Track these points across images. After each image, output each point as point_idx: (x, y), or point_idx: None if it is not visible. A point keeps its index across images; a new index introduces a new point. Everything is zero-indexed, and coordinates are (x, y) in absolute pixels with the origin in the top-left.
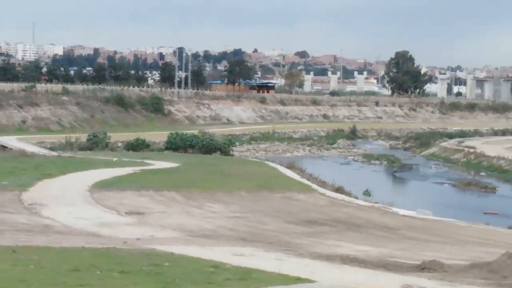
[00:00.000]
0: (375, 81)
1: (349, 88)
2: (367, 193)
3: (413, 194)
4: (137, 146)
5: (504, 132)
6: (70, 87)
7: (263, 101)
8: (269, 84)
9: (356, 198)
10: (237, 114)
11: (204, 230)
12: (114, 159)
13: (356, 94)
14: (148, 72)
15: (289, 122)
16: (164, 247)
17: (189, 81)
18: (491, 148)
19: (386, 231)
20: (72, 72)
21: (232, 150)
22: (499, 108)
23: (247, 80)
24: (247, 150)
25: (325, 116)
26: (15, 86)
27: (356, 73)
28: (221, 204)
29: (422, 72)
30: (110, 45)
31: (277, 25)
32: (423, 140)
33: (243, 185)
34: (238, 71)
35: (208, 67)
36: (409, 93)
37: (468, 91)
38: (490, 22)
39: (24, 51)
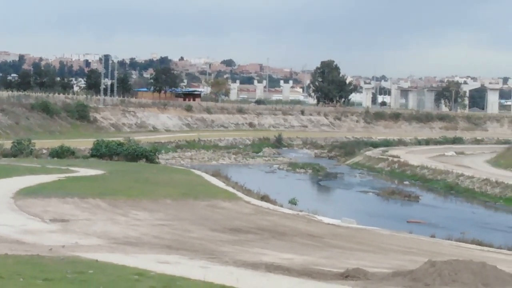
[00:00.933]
0: (300, 90)
1: (275, 97)
2: (293, 201)
3: (338, 202)
4: (62, 153)
5: (427, 142)
6: None
7: (189, 109)
8: (195, 92)
9: (281, 206)
10: (163, 122)
11: (129, 238)
12: None
13: (282, 103)
14: (73, 79)
15: (215, 130)
16: (88, 255)
17: (115, 88)
18: (415, 157)
19: (310, 239)
20: None
21: (158, 158)
22: (422, 118)
23: (173, 88)
24: (173, 158)
25: (251, 125)
26: None
27: (282, 82)
28: (146, 211)
29: (347, 81)
30: (36, 51)
31: (204, 34)
32: (348, 149)
33: (169, 193)
34: (164, 79)
35: (134, 75)
36: (334, 102)
37: (392, 101)
38: (414, 33)
39: None
